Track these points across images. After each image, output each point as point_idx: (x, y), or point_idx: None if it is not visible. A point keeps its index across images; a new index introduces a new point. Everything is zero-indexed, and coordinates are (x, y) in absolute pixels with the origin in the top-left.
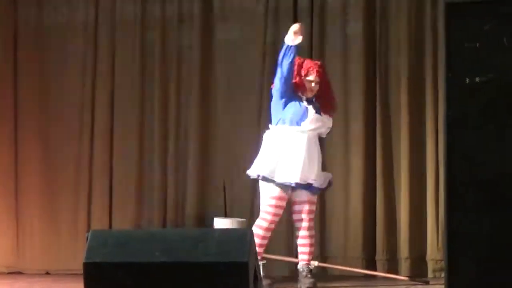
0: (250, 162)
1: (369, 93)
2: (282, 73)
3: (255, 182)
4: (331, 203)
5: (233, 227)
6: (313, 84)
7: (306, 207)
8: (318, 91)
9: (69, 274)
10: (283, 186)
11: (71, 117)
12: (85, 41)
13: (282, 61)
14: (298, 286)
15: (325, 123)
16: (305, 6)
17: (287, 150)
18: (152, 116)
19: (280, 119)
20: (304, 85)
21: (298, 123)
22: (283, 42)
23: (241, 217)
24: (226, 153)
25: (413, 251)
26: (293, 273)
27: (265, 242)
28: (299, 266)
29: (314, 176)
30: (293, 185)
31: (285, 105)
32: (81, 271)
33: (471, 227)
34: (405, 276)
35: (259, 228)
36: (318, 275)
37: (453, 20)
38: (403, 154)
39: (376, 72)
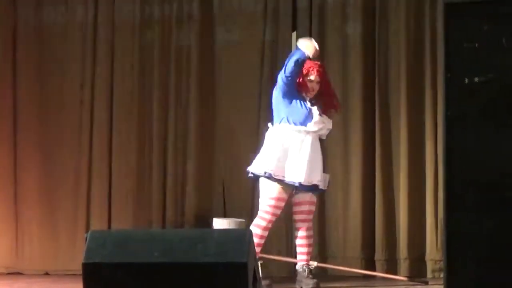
0: (249, 162)
1: (368, 93)
2: (286, 75)
3: (254, 182)
4: (331, 203)
5: (232, 227)
6: (314, 84)
7: (307, 208)
8: (318, 91)
9: (68, 275)
10: (284, 186)
11: (70, 118)
12: (84, 42)
13: (291, 65)
14: (298, 286)
15: (325, 124)
16: (304, 6)
17: (292, 150)
18: (151, 116)
19: (283, 118)
20: (306, 85)
21: (302, 124)
22: (298, 48)
23: (240, 218)
24: (225, 154)
25: (412, 252)
26: (291, 273)
27: (263, 241)
28: (298, 267)
29: (319, 177)
30: (297, 184)
31: (289, 104)
32: (80, 272)
33: (470, 227)
34: (404, 276)
35: (257, 228)
36: (317, 275)
37: (452, 20)
38: (402, 154)
39: (375, 72)
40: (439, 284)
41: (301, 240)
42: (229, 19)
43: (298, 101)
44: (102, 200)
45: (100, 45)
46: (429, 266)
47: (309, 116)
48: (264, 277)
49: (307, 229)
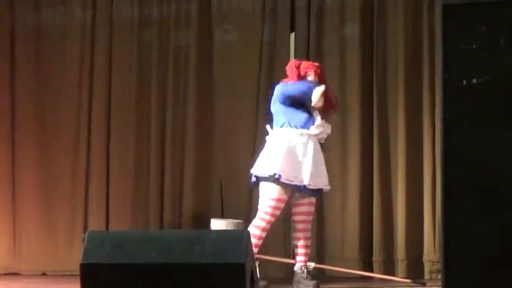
0: (247, 162)
1: (366, 94)
2: (292, 90)
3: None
4: (329, 204)
5: (230, 228)
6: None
7: (306, 209)
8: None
9: (66, 275)
10: (285, 188)
11: (68, 118)
12: (82, 42)
13: (300, 90)
14: (295, 287)
15: (325, 128)
16: (302, 6)
17: (296, 153)
18: (149, 116)
19: (284, 123)
20: None
21: (304, 127)
22: (312, 90)
23: (238, 218)
24: (223, 154)
25: (410, 253)
26: (289, 274)
27: (261, 242)
28: (296, 267)
29: (326, 182)
30: (302, 188)
31: (289, 109)
32: (78, 272)
33: (468, 228)
34: (401, 278)
35: (256, 228)
36: (315, 276)
37: (450, 21)
38: (400, 154)
39: (373, 73)
40: (436, 286)
41: (300, 241)
42: (227, 19)
43: (299, 105)
44: (100, 200)
45: (99, 45)
46: (427, 267)
47: (310, 119)
48: (262, 278)
49: (306, 230)
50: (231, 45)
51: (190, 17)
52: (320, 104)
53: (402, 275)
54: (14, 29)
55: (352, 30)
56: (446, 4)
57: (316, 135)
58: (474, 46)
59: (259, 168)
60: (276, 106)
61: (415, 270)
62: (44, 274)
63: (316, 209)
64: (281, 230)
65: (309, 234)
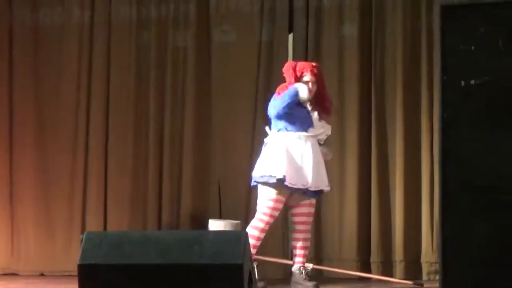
0: (246, 163)
1: (365, 94)
2: (279, 108)
3: (250, 185)
4: (326, 205)
5: (228, 229)
6: (309, 85)
7: (307, 210)
8: (316, 93)
9: (64, 276)
10: (283, 189)
11: (67, 119)
12: (80, 42)
13: (281, 103)
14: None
15: (325, 129)
16: (300, 7)
17: (296, 155)
18: (147, 117)
19: (281, 129)
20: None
21: (302, 129)
22: (296, 90)
23: (236, 218)
24: (221, 155)
25: (407, 254)
26: (287, 275)
27: (259, 243)
28: (294, 268)
29: (327, 183)
30: (304, 189)
31: (287, 114)
32: (76, 273)
33: (466, 229)
34: (399, 279)
35: (255, 229)
36: (313, 277)
37: (449, 22)
38: (398, 155)
39: (372, 74)
40: (434, 286)
41: (299, 242)
42: (226, 20)
43: (297, 108)
44: (98, 201)
45: (97, 46)
46: (425, 268)
47: (308, 121)
48: (259, 279)
49: (306, 232)
50: (230, 45)
51: (189, 17)
52: (308, 95)
53: (400, 276)
54: (12, 29)
55: (351, 30)
56: (445, 5)
57: (314, 136)
58: (473, 47)
59: (259, 171)
60: (272, 113)
61: (413, 271)
62: (42, 274)
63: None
64: (279, 231)
65: (308, 235)
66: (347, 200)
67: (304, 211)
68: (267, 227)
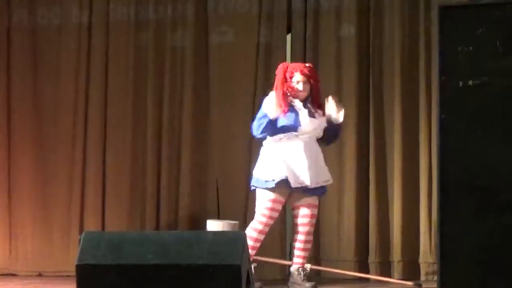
0: (244, 164)
1: (363, 96)
2: (257, 133)
3: (248, 184)
4: (325, 205)
5: (226, 229)
6: (300, 84)
7: (309, 212)
8: (311, 90)
9: (62, 276)
10: (282, 189)
11: (65, 118)
12: (78, 43)
13: (259, 128)
14: None
15: (320, 124)
16: (299, 8)
17: (290, 156)
18: (145, 117)
19: (273, 133)
20: (293, 89)
21: (292, 130)
22: (264, 113)
23: (234, 218)
24: (219, 155)
25: (406, 254)
26: (285, 275)
27: (258, 244)
28: (292, 269)
29: (325, 177)
30: (299, 187)
31: (275, 122)
32: (74, 273)
33: (463, 230)
34: (397, 279)
35: (254, 231)
36: (311, 278)
37: (447, 23)
38: (396, 156)
39: (370, 75)
40: (432, 287)
41: (299, 244)
42: (224, 21)
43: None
44: (96, 201)
45: (95, 46)
46: (423, 269)
47: (298, 120)
48: (257, 280)
49: (307, 234)
50: (228, 46)
51: (186, 18)
52: (276, 112)
53: (398, 277)
54: (10, 29)
55: (348, 31)
56: (443, 6)
57: (306, 133)
58: (471, 48)
59: (257, 177)
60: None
61: (411, 271)
62: (40, 274)
63: None
64: (277, 231)
65: (310, 237)
66: (345, 200)
67: (306, 213)
68: (266, 229)
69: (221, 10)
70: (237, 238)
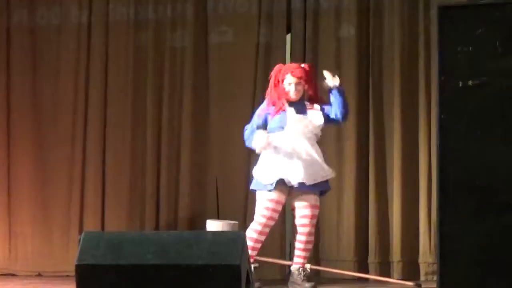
0: (243, 164)
1: (362, 96)
2: (247, 145)
3: (248, 184)
4: (324, 205)
5: (226, 229)
6: (292, 86)
7: (309, 212)
8: (306, 90)
9: (61, 276)
10: (281, 189)
11: (64, 118)
12: (78, 43)
13: (247, 140)
14: (290, 287)
15: (313, 119)
16: (298, 8)
17: (283, 155)
18: (145, 117)
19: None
20: (285, 92)
21: (280, 129)
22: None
23: (234, 220)
24: (219, 155)
25: (405, 254)
26: (285, 275)
27: (259, 245)
28: (293, 268)
29: (324, 173)
30: (296, 185)
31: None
32: (74, 273)
33: (463, 230)
34: (397, 279)
35: (253, 232)
36: (310, 278)
37: (446, 23)
38: (396, 156)
39: (369, 75)
40: (432, 287)
41: (300, 244)
42: (223, 21)
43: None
44: (95, 201)
45: (94, 46)
46: (423, 269)
47: (284, 120)
48: (256, 280)
49: (308, 234)
50: (227, 46)
51: (186, 18)
52: (260, 150)
53: (397, 277)
54: (10, 29)
55: (348, 32)
56: (442, 7)
57: (296, 131)
58: (470, 48)
59: (258, 179)
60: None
61: (411, 271)
62: (39, 274)
63: None
64: (277, 231)
65: (310, 238)
66: (345, 200)
67: (305, 214)
68: (266, 230)
69: (220, 10)
70: (236, 238)
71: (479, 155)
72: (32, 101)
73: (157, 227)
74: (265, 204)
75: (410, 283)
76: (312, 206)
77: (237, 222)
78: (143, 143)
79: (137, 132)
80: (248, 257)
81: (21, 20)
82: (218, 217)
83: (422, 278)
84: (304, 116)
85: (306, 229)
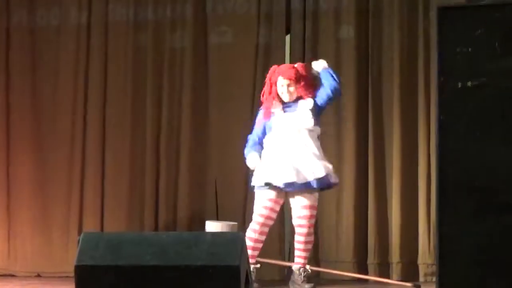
0: (243, 165)
1: (361, 97)
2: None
3: (247, 185)
4: (323, 206)
5: (225, 230)
6: (284, 88)
7: (309, 213)
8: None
9: (61, 277)
10: (279, 190)
11: (64, 119)
12: (77, 44)
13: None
14: (291, 286)
15: (299, 115)
16: (297, 9)
17: (274, 154)
18: (144, 117)
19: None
20: (278, 94)
21: (271, 130)
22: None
23: (232, 220)
24: (218, 156)
25: (404, 255)
26: (283, 276)
27: (259, 245)
28: (294, 268)
29: (318, 171)
30: (282, 185)
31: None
32: (73, 274)
33: (462, 231)
34: (396, 280)
35: (252, 232)
36: (310, 279)
37: (446, 24)
38: (395, 157)
39: (369, 76)
40: None
41: (299, 245)
42: (223, 21)
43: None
44: (95, 202)
45: (94, 47)
46: (422, 270)
47: (275, 122)
48: (255, 280)
49: (307, 235)
50: (227, 47)
51: (185, 19)
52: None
53: (397, 278)
54: (9, 30)
55: (347, 32)
56: (442, 7)
57: (285, 129)
58: (470, 49)
59: (257, 181)
60: None
61: (410, 272)
62: (39, 275)
63: None
64: (276, 232)
65: (310, 238)
66: (344, 201)
67: (303, 214)
68: (265, 229)
69: (220, 11)
70: (235, 239)
71: (478, 155)
72: (31, 102)
73: (156, 228)
74: (262, 203)
75: (409, 284)
76: (309, 207)
77: (236, 223)
78: (142, 143)
79: (137, 133)
80: (247, 258)
81: (21, 21)
82: (217, 217)
83: (421, 279)
84: (292, 113)
85: (304, 230)
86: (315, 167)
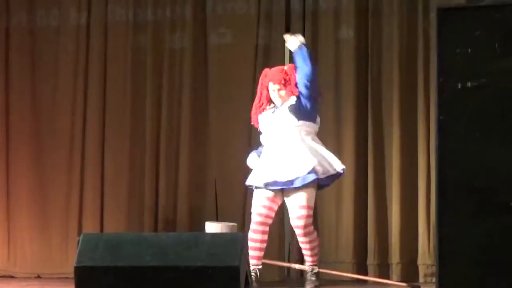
0: (242, 166)
1: (361, 97)
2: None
3: (246, 186)
4: (322, 207)
5: (224, 231)
6: (275, 93)
7: (303, 212)
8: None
9: (60, 278)
10: (276, 190)
11: (63, 119)
12: (77, 44)
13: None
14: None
15: (284, 112)
16: (297, 10)
17: (263, 156)
18: (144, 118)
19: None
20: (270, 99)
21: (263, 131)
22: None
23: (232, 220)
24: (218, 157)
25: (404, 256)
26: (283, 277)
27: (263, 246)
28: (307, 268)
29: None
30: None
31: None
32: (72, 275)
33: (462, 231)
34: (396, 281)
35: (252, 232)
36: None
37: (445, 25)
38: (394, 158)
39: (368, 76)
40: None
41: (302, 245)
42: (222, 22)
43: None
44: (94, 203)
45: (93, 48)
46: (421, 271)
47: (262, 121)
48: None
49: (305, 235)
50: (226, 47)
51: (185, 20)
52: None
53: (396, 279)
54: (9, 31)
55: (347, 33)
56: (441, 8)
57: (272, 131)
58: (469, 50)
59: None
60: None
61: (409, 273)
62: (38, 277)
63: None
64: (276, 233)
65: (310, 238)
66: (343, 202)
67: (296, 215)
68: (265, 228)
69: (219, 11)
70: (235, 239)
71: (478, 156)
72: (31, 102)
73: (155, 229)
74: (260, 202)
75: (409, 285)
76: (304, 207)
77: (235, 224)
78: (142, 144)
79: (136, 133)
80: (247, 258)
81: (20, 21)
82: (217, 218)
83: (421, 279)
84: (276, 113)
85: (300, 231)
86: (298, 165)
